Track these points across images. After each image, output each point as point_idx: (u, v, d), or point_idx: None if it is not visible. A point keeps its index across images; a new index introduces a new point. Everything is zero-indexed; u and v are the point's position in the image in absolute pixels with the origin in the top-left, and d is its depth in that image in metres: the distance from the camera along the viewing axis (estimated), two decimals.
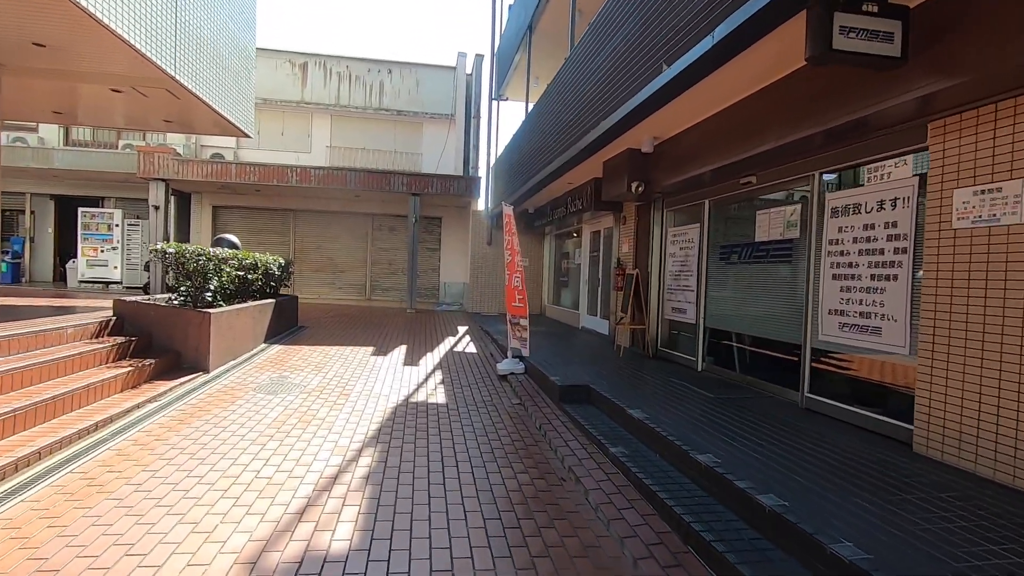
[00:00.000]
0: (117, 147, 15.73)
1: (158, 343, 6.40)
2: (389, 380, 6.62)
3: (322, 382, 6.32)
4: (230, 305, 7.24)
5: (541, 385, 6.34)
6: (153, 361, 5.81)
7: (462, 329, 11.56)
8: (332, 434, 4.56)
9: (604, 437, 4.44)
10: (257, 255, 8.50)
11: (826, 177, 4.80)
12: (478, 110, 15.42)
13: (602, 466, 4.01)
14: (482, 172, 15.35)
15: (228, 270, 7.03)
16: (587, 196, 9.42)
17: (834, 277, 4.57)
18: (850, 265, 4.42)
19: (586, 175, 9.12)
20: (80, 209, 15.07)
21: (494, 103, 14.78)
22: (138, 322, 6.41)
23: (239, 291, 7.87)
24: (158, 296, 7.16)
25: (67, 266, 15.43)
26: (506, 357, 7.45)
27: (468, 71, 16.73)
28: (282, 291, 10.80)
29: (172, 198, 15.19)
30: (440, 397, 5.97)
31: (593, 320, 10.80)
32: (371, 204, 16.23)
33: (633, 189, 6.90)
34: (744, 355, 6.01)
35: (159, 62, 6.61)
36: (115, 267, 14.98)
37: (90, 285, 14.87)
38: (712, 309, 6.56)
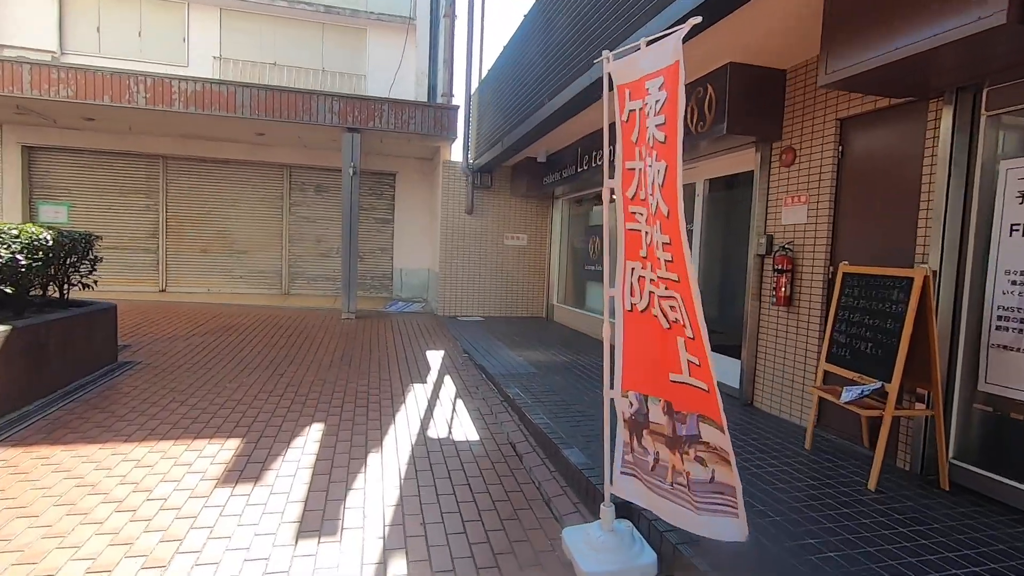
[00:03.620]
0: None
1: None
2: None
3: None
4: None
5: None
6: None
7: (435, 358, 6.56)
8: None
9: None
10: None
11: None
12: (452, 5, 10.12)
13: None
14: (459, 101, 10.16)
15: None
16: (707, 105, 4.52)
17: None
18: None
19: (704, 64, 4.23)
20: None
21: None
22: None
23: None
24: None
25: None
26: (585, 517, 2.59)
27: None
28: (76, 291, 5.47)
29: None
30: None
31: None
32: (287, 149, 10.76)
33: None
34: None
35: None
36: None
37: None
38: None
